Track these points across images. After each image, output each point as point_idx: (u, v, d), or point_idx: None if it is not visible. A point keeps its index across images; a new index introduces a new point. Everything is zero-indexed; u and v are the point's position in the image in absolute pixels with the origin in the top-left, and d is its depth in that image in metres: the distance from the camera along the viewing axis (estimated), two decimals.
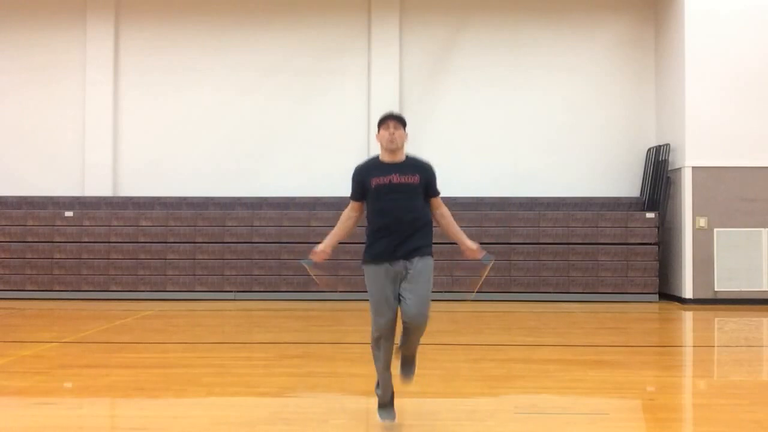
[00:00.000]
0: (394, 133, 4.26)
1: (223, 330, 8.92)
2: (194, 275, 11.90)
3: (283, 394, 5.38)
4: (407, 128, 4.38)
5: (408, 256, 4.21)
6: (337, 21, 12.99)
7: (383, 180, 4.22)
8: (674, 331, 9.62)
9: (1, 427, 4.46)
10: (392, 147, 4.25)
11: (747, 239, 11.27)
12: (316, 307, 10.85)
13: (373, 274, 4.25)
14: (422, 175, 4.29)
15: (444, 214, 4.44)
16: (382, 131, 4.29)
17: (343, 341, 7.92)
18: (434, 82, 12.88)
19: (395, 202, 4.20)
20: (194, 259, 11.93)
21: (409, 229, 4.21)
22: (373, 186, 4.23)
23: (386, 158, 4.30)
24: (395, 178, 4.22)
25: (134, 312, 10.21)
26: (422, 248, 4.25)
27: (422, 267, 4.23)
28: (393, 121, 4.30)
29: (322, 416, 4.67)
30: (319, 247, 4.31)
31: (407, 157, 4.36)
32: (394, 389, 4.46)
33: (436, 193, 4.39)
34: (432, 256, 4.31)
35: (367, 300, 4.32)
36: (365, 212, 4.38)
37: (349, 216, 4.42)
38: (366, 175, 4.29)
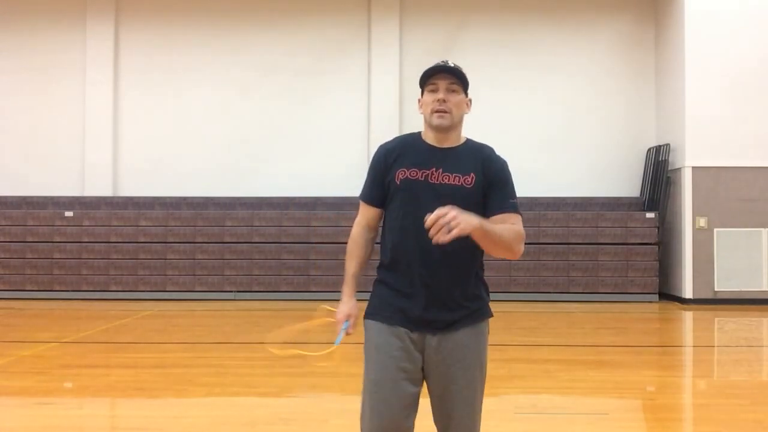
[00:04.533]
0: (446, 100, 2.51)
1: (223, 330, 8.92)
2: (194, 275, 11.90)
3: (283, 394, 5.37)
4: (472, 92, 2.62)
5: (438, 327, 2.49)
6: (336, 21, 12.98)
7: (416, 173, 2.50)
8: (674, 331, 9.62)
9: (1, 427, 4.46)
10: (442, 123, 2.52)
11: (747, 239, 11.26)
12: (316, 307, 10.84)
13: (377, 338, 2.54)
14: (482, 172, 2.56)
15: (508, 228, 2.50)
16: (426, 95, 2.56)
17: (343, 341, 7.91)
18: None
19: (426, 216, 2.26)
20: (194, 259, 11.93)
21: (442, 272, 2.47)
22: (398, 181, 2.51)
23: (430, 138, 2.59)
24: (435, 174, 2.50)
25: (134, 312, 10.21)
26: (469, 315, 2.53)
27: (464, 350, 2.50)
28: (446, 77, 2.54)
29: (322, 416, 4.67)
30: (343, 309, 2.65)
31: (466, 142, 2.66)
32: None
33: (502, 206, 2.55)
34: (487, 321, 2.61)
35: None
36: (384, 221, 2.64)
37: (358, 238, 2.66)
38: (392, 162, 2.55)
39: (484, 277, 2.66)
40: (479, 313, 2.57)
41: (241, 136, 12.90)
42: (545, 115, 12.77)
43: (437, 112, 2.50)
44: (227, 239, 11.96)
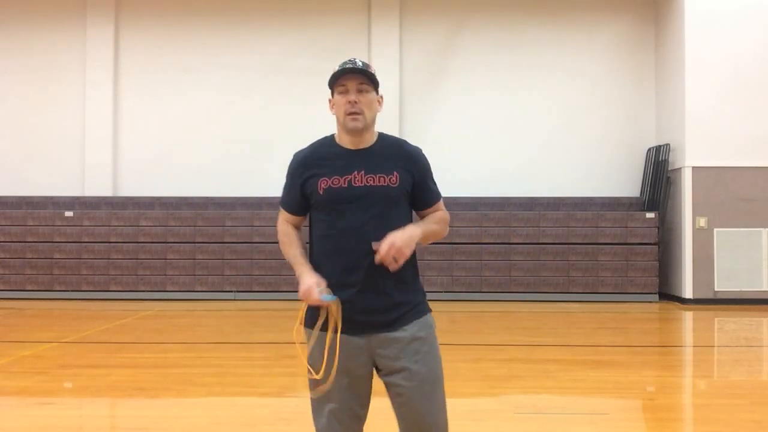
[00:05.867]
0: (356, 101, 2.49)
1: (223, 330, 8.92)
2: (194, 275, 11.90)
3: (283, 394, 5.38)
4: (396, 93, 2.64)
5: (380, 327, 2.48)
6: (336, 21, 12.99)
7: (338, 181, 2.50)
8: (674, 331, 9.62)
9: (1, 427, 4.46)
10: (356, 126, 2.50)
11: (747, 239, 11.27)
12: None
13: (320, 347, 2.49)
14: (404, 169, 2.54)
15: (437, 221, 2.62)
16: (337, 97, 2.56)
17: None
18: (434, 82, 12.88)
19: (356, 222, 2.46)
20: (194, 259, 11.93)
21: (374, 274, 2.46)
22: (321, 191, 2.50)
23: (345, 141, 2.57)
24: (358, 177, 2.49)
25: (134, 312, 10.21)
26: (411, 310, 2.54)
27: (418, 344, 2.50)
28: (354, 78, 2.50)
29: None
30: (307, 282, 2.43)
31: (380, 138, 2.60)
32: None
33: (433, 198, 2.62)
34: (430, 313, 2.62)
35: None
36: (310, 230, 2.63)
37: (287, 230, 2.66)
38: (310, 171, 2.54)
39: (420, 277, 2.66)
40: (420, 308, 2.57)
41: (242, 136, 12.90)
42: (545, 115, 12.77)
43: (350, 114, 2.49)
44: (227, 239, 11.97)
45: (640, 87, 12.81)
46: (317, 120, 12.68)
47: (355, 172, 2.50)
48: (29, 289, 11.91)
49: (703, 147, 11.30)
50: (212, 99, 12.97)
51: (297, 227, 2.67)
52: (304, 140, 11.10)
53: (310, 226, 2.62)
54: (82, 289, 11.89)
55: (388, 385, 2.52)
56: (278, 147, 12.86)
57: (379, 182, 2.49)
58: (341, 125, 2.56)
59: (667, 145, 11.95)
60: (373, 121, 2.57)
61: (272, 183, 12.77)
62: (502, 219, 11.87)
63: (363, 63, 2.53)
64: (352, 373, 2.50)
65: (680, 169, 11.57)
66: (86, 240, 12.01)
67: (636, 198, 12.57)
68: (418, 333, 2.52)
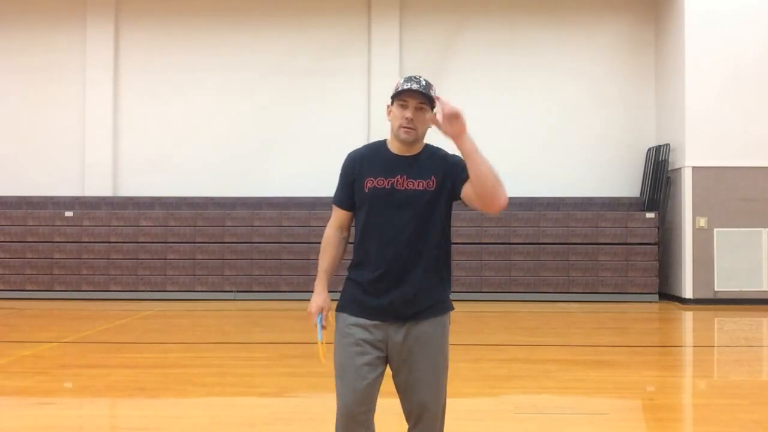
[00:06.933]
0: (413, 119, 2.74)
1: (223, 330, 8.92)
2: (194, 275, 11.90)
3: (283, 394, 5.38)
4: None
5: (406, 317, 2.74)
6: (337, 21, 12.99)
7: (383, 182, 2.75)
8: (674, 331, 9.62)
9: (1, 427, 4.46)
10: (407, 138, 2.75)
11: (747, 239, 11.27)
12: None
13: (343, 328, 2.80)
14: (442, 173, 2.79)
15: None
16: (395, 109, 2.77)
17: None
18: (434, 82, 12.79)
19: (395, 221, 2.72)
20: (194, 259, 11.93)
21: (412, 268, 2.73)
22: (366, 189, 2.76)
23: (394, 147, 2.82)
24: (400, 182, 2.74)
25: (134, 312, 10.21)
26: (432, 306, 2.77)
27: (427, 338, 2.75)
28: (416, 96, 2.73)
29: (322, 416, 4.67)
30: (316, 300, 2.86)
31: (426, 147, 2.88)
32: None
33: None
34: (448, 314, 2.85)
35: None
36: (356, 225, 2.88)
37: (332, 238, 2.91)
38: (361, 170, 2.81)
39: (451, 277, 2.88)
40: (442, 307, 2.81)
41: (242, 136, 12.90)
42: (545, 115, 12.77)
43: (404, 128, 2.74)
44: (227, 239, 11.96)
45: (640, 87, 12.81)
46: (317, 119, 12.81)
47: (399, 176, 2.76)
48: (29, 289, 11.91)
49: (703, 147, 11.30)
50: (212, 99, 12.98)
51: (344, 228, 2.92)
52: (305, 140, 11.16)
53: (356, 221, 2.87)
54: (82, 289, 11.89)
55: (393, 372, 2.79)
56: (278, 147, 12.88)
57: (419, 186, 2.75)
58: (394, 134, 2.80)
59: (667, 145, 11.95)
60: (423, 136, 2.84)
61: (272, 183, 12.81)
62: (502, 219, 11.86)
63: (426, 82, 2.80)
64: (367, 357, 2.74)
65: (680, 169, 11.57)
66: (86, 240, 12.01)
67: (636, 198, 12.57)
68: (430, 329, 2.76)
